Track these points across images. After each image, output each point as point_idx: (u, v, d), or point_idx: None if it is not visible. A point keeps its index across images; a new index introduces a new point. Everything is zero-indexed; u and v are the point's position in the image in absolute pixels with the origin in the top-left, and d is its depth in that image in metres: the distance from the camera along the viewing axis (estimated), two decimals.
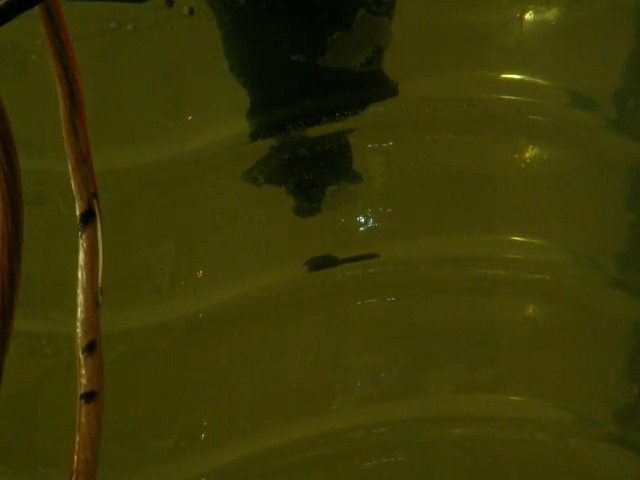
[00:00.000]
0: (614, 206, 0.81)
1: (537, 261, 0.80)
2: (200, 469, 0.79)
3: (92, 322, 0.51)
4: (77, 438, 0.49)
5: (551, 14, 0.78)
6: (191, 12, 0.76)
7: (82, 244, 0.52)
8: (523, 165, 0.80)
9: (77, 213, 0.52)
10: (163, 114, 0.78)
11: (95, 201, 0.53)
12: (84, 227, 0.52)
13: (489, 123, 0.79)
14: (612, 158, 0.80)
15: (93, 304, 0.51)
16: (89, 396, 0.50)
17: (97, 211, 0.52)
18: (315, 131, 0.78)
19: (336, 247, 0.79)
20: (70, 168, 0.53)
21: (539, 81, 0.79)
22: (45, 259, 0.78)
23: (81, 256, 0.51)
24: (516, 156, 0.80)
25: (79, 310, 0.51)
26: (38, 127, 0.76)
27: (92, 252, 0.52)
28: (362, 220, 0.79)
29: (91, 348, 0.50)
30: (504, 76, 0.79)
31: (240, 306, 0.79)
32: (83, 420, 0.49)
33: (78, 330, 0.51)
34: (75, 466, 0.49)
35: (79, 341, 0.51)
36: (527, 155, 0.80)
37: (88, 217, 0.52)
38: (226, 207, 0.79)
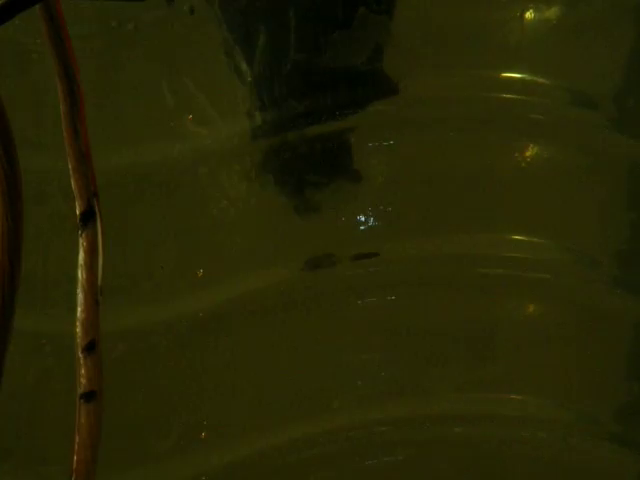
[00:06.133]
0: (614, 205, 0.81)
1: (537, 260, 0.80)
2: (200, 468, 0.79)
3: (92, 321, 0.51)
4: (77, 438, 0.49)
5: (551, 13, 0.78)
6: (192, 11, 0.76)
7: (82, 243, 0.52)
8: (524, 164, 0.80)
9: (77, 212, 0.52)
10: (163, 113, 0.78)
11: (95, 200, 0.53)
12: (84, 226, 0.52)
13: (489, 122, 0.79)
14: (613, 157, 0.80)
15: (93, 303, 0.51)
16: (89, 396, 0.50)
17: (97, 210, 0.52)
18: (315, 130, 0.78)
19: (336, 246, 0.79)
20: (70, 167, 0.53)
21: (539, 80, 0.79)
22: (45, 258, 0.78)
23: (81, 255, 0.51)
24: (517, 155, 0.80)
25: (79, 309, 0.51)
26: (38, 126, 0.76)
27: (92, 251, 0.52)
28: (362, 219, 0.79)
29: (91, 347, 0.51)
30: (504, 75, 0.79)
31: (240, 305, 0.79)
32: (83, 420, 0.49)
33: (78, 329, 0.51)
34: (75, 466, 0.49)
35: (79, 340, 0.51)
36: (527, 154, 0.80)
37: (88, 216, 0.52)
38: (226, 206, 0.79)
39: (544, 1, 0.78)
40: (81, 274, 0.51)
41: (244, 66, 0.78)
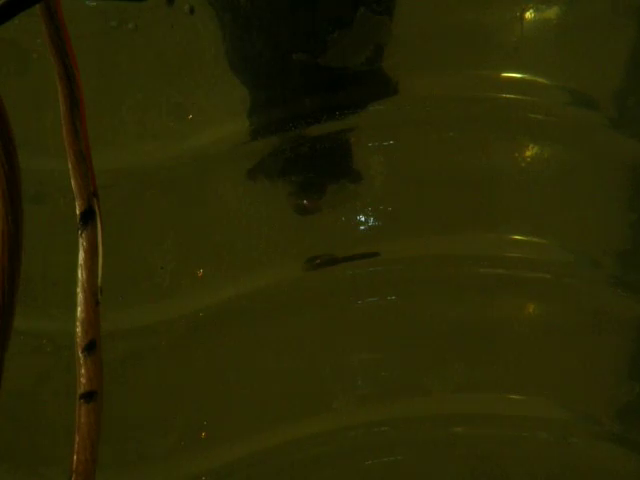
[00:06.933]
0: (615, 205, 0.81)
1: (537, 260, 0.80)
2: (200, 468, 0.79)
3: (92, 321, 0.51)
4: (77, 438, 0.49)
5: (551, 13, 0.78)
6: (191, 11, 0.76)
7: (82, 243, 0.52)
8: (524, 164, 0.80)
9: (77, 212, 0.52)
10: (163, 113, 0.78)
11: (95, 200, 0.53)
12: (84, 226, 0.52)
13: (489, 122, 0.79)
14: (613, 157, 0.80)
15: (93, 303, 0.51)
16: (89, 396, 0.50)
17: (97, 210, 0.52)
18: (315, 130, 0.78)
19: (336, 246, 0.79)
20: (70, 167, 0.53)
21: (539, 80, 0.79)
22: (45, 258, 0.78)
23: (81, 255, 0.51)
24: (517, 155, 0.80)
25: (79, 309, 0.51)
26: (38, 126, 0.76)
27: (92, 251, 0.51)
28: (362, 219, 0.79)
29: (91, 347, 0.50)
30: (504, 75, 0.79)
31: (240, 305, 0.79)
32: (83, 420, 0.49)
33: (78, 329, 0.51)
34: (75, 466, 0.49)
35: (79, 340, 0.51)
36: (528, 154, 0.80)
37: (88, 216, 0.52)
38: (226, 206, 0.79)
39: (544, 1, 0.78)
40: (81, 274, 0.51)
41: (244, 66, 0.78)
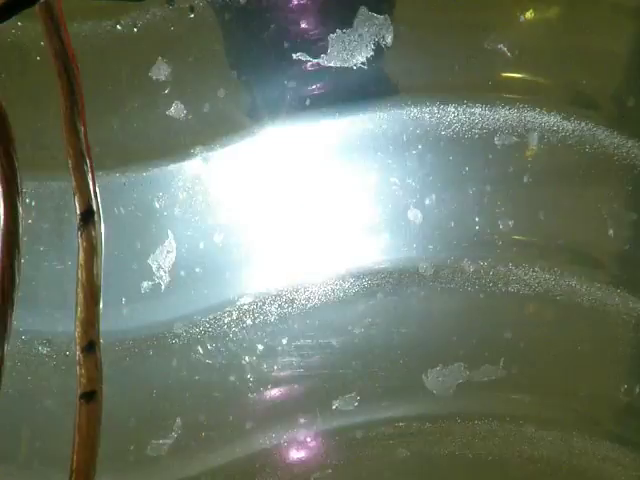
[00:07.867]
0: (614, 205, 0.81)
1: (537, 260, 0.80)
2: (200, 468, 0.79)
3: (91, 321, 0.51)
4: (77, 438, 0.49)
5: (551, 13, 0.78)
6: (192, 11, 0.76)
7: (82, 243, 0.52)
8: (524, 164, 0.80)
9: (77, 212, 0.52)
10: (163, 112, 0.78)
11: (95, 200, 0.53)
12: (84, 226, 0.52)
13: (489, 122, 0.79)
14: (613, 157, 0.80)
15: (93, 303, 0.51)
16: (88, 396, 0.50)
17: (97, 210, 0.52)
18: (315, 130, 0.78)
19: (337, 245, 0.79)
20: (70, 167, 0.53)
21: (540, 80, 0.79)
22: (45, 258, 0.78)
23: (81, 255, 0.51)
24: (517, 155, 0.80)
25: (79, 309, 0.51)
26: (38, 126, 0.76)
27: (92, 251, 0.52)
28: (363, 219, 0.79)
29: (90, 347, 0.51)
30: (505, 75, 0.79)
31: (239, 304, 0.79)
32: (83, 420, 0.49)
33: (78, 329, 0.51)
34: (75, 466, 0.49)
35: (78, 340, 0.51)
36: (528, 154, 0.80)
37: (88, 216, 0.52)
38: (226, 205, 0.79)
39: (544, 1, 0.78)
40: (81, 274, 0.51)
41: (244, 65, 0.78)
